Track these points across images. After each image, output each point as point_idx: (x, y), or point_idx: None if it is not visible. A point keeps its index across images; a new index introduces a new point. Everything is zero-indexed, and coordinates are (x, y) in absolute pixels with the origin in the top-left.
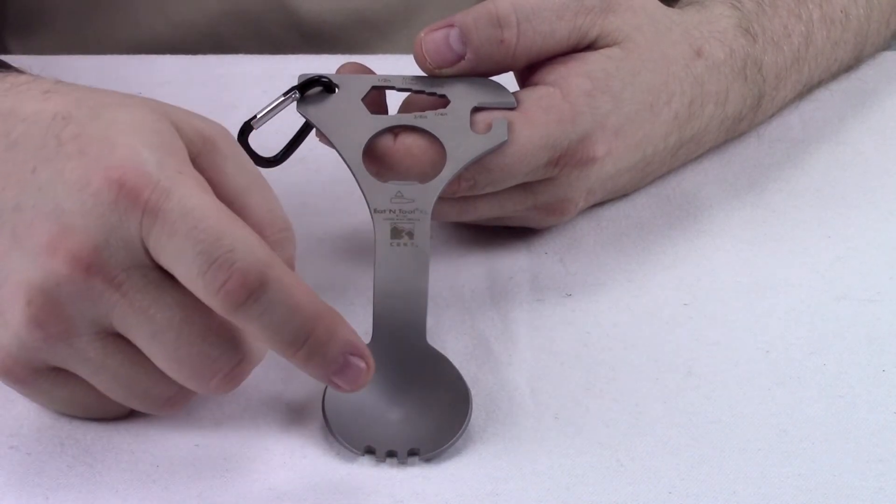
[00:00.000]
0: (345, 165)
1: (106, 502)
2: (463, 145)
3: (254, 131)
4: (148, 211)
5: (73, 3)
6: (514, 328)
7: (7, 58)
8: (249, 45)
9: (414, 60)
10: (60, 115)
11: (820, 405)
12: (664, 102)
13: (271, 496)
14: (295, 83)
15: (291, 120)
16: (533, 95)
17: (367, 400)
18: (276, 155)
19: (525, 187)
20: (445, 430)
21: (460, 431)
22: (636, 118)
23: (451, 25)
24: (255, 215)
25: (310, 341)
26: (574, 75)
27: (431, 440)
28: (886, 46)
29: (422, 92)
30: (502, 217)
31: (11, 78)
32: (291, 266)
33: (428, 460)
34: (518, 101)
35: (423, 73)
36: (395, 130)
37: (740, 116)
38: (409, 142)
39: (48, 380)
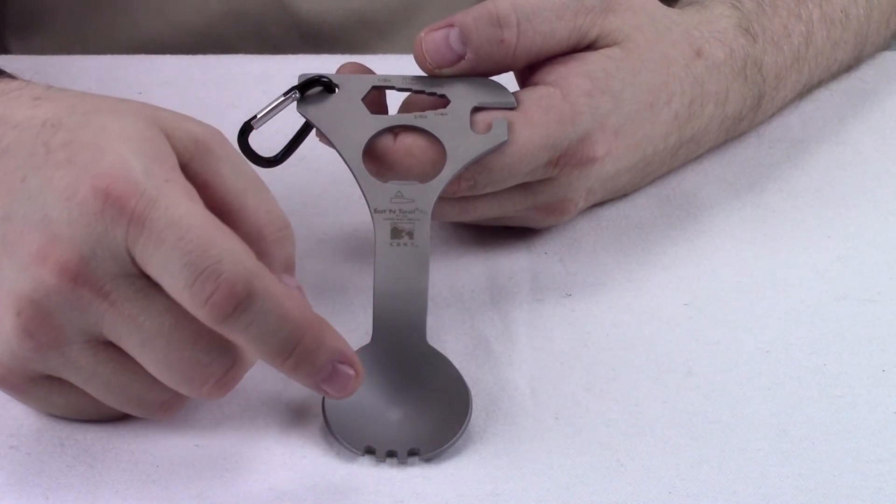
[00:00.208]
0: (345, 165)
1: (106, 502)
2: (463, 145)
3: (254, 131)
4: (134, 221)
5: (73, 3)
6: (514, 328)
7: (7, 58)
8: (249, 46)
9: (414, 60)
10: (50, 123)
11: (820, 405)
12: (664, 102)
13: (271, 496)
14: (295, 83)
15: (291, 120)
16: (533, 95)
17: (367, 400)
18: (276, 155)
19: (525, 187)
20: (445, 430)
21: (460, 431)
22: (636, 118)
23: (451, 25)
24: (253, 216)
25: (298, 350)
26: (574, 75)
27: (431, 440)
28: (886, 46)
29: (422, 92)
30: (502, 217)
31: (3, 84)
32: (291, 265)
33: (428, 460)
34: (518, 101)
35: (423, 73)
36: (395, 130)
37: (740, 116)
38: (409, 142)
39: (43, 387)
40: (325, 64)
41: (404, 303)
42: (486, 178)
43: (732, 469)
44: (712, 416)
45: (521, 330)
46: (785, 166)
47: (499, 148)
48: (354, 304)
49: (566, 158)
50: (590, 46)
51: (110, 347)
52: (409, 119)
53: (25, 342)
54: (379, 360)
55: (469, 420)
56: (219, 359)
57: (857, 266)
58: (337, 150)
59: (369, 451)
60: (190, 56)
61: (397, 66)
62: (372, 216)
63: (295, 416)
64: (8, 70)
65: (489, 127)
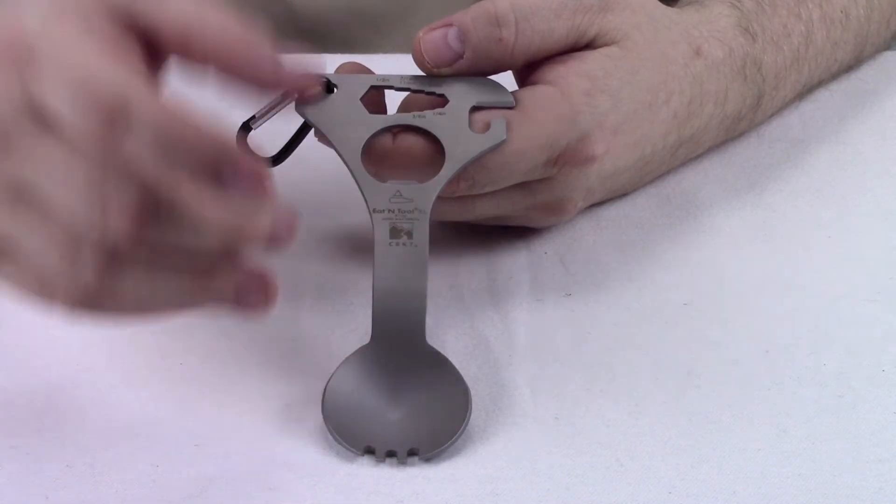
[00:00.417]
0: (343, 165)
1: (106, 502)
2: (462, 145)
3: (252, 131)
4: (23, 60)
5: None
6: (514, 328)
7: None
8: None
9: (412, 60)
10: None
11: (820, 405)
12: (663, 101)
13: (271, 496)
14: None
15: (290, 120)
16: (532, 94)
17: (367, 400)
18: (275, 155)
19: (524, 187)
20: (445, 430)
21: (460, 431)
22: (635, 117)
23: (450, 25)
24: (212, 33)
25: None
26: (573, 74)
27: (431, 440)
28: (887, 47)
29: (420, 91)
30: (502, 216)
31: None
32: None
33: (428, 460)
34: (517, 101)
35: (422, 73)
36: (393, 130)
37: (740, 116)
38: (407, 141)
39: None
40: (325, 64)
41: (404, 303)
42: (485, 177)
43: (732, 469)
44: (712, 416)
45: (521, 330)
46: (785, 166)
47: (498, 147)
48: (354, 304)
49: (565, 158)
50: (588, 45)
51: (21, 201)
52: (408, 119)
53: None
54: (379, 360)
55: (469, 420)
56: (118, 187)
57: (857, 266)
58: (336, 150)
59: (369, 451)
60: None
61: (396, 65)
62: (371, 216)
63: (295, 416)
64: None
65: (488, 126)
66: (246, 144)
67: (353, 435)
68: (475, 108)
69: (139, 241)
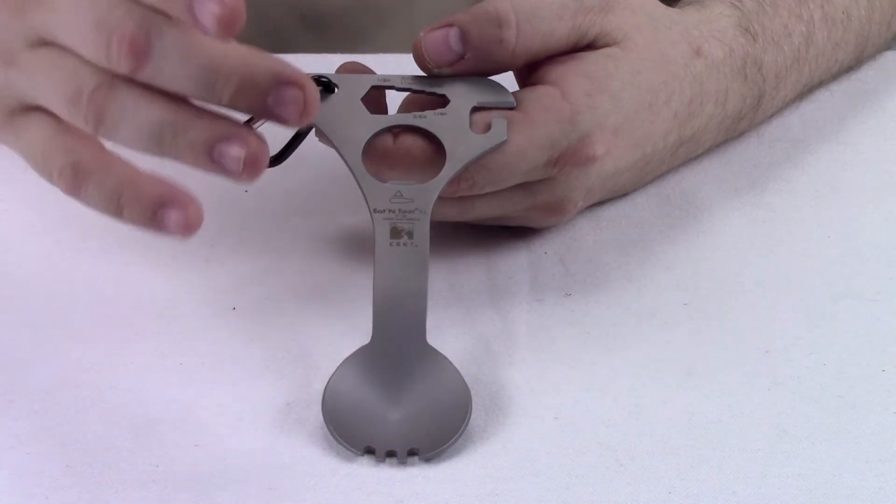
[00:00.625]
0: (344, 165)
1: (106, 502)
2: (462, 145)
3: None
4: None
5: None
6: (514, 328)
7: None
8: (249, 30)
9: (413, 60)
10: None
11: (820, 405)
12: (663, 101)
13: (271, 496)
14: None
15: None
16: (532, 95)
17: (367, 400)
18: (276, 155)
19: (524, 187)
20: (445, 430)
21: (460, 431)
22: (635, 117)
23: (451, 25)
24: None
25: (228, 79)
26: (573, 75)
27: (431, 440)
28: (887, 47)
29: (421, 92)
30: (502, 217)
31: None
32: None
33: (428, 460)
34: (517, 101)
35: (423, 73)
36: (394, 130)
37: (740, 116)
38: (408, 142)
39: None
40: (325, 63)
41: (404, 303)
42: (486, 177)
43: (732, 469)
44: (712, 416)
45: (521, 330)
46: (785, 166)
47: (498, 148)
48: (354, 304)
49: (566, 158)
50: (589, 46)
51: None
52: (409, 119)
53: None
54: (379, 360)
55: (469, 420)
56: (131, 15)
57: (857, 266)
58: (336, 150)
59: (369, 451)
60: None
61: (397, 65)
62: (371, 216)
63: (295, 416)
64: None
65: (488, 127)
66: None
67: (353, 435)
68: (476, 109)
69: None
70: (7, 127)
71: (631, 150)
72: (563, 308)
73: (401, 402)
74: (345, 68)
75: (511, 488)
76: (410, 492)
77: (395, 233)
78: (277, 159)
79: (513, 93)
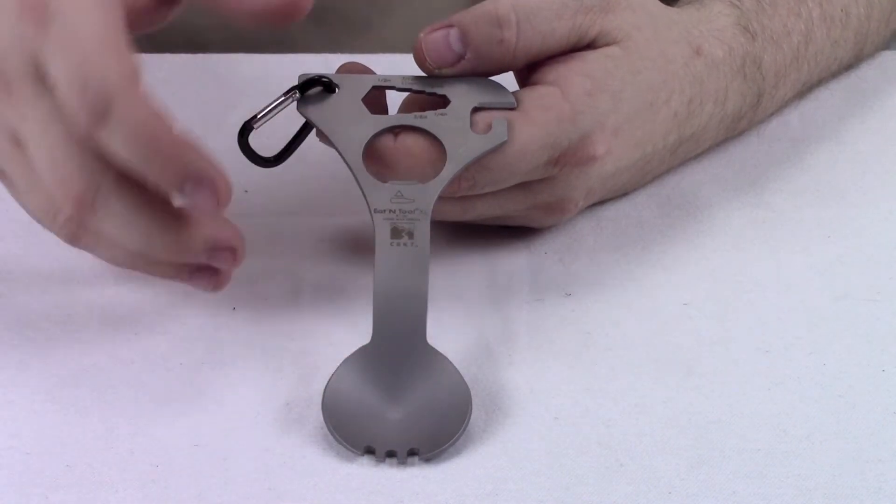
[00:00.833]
0: (345, 165)
1: (106, 502)
2: (463, 145)
3: (254, 131)
4: (40, 27)
5: None
6: (514, 328)
7: None
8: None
9: (414, 60)
10: None
11: (820, 405)
12: (663, 101)
13: (271, 496)
14: (295, 83)
15: (291, 120)
16: (533, 95)
17: (367, 400)
18: (276, 155)
19: (525, 187)
20: (445, 430)
21: (460, 431)
22: (636, 117)
23: (451, 26)
24: None
25: (157, 159)
26: (574, 74)
27: (431, 440)
28: (886, 46)
29: (422, 92)
30: (502, 216)
31: None
32: None
33: (428, 460)
34: (518, 101)
35: (423, 73)
36: (395, 130)
37: (740, 115)
38: (409, 142)
39: None
40: (325, 63)
41: (404, 303)
42: (486, 177)
43: (732, 469)
44: (712, 416)
45: (521, 330)
46: (784, 165)
47: (499, 148)
48: (354, 304)
49: (566, 158)
50: (589, 45)
51: (18, 146)
52: (409, 119)
53: None
54: (379, 360)
55: (469, 420)
56: (81, 173)
57: (857, 266)
58: (337, 150)
59: (369, 451)
60: (190, 55)
61: (397, 65)
62: (372, 216)
63: (295, 416)
64: None
65: (489, 127)
66: (247, 144)
67: (353, 435)
68: (476, 109)
69: (82, 220)
70: None
71: (631, 150)
72: (563, 308)
73: (401, 402)
74: (345, 68)
75: (511, 488)
76: (410, 492)
77: (396, 233)
78: (278, 159)
79: (513, 93)
